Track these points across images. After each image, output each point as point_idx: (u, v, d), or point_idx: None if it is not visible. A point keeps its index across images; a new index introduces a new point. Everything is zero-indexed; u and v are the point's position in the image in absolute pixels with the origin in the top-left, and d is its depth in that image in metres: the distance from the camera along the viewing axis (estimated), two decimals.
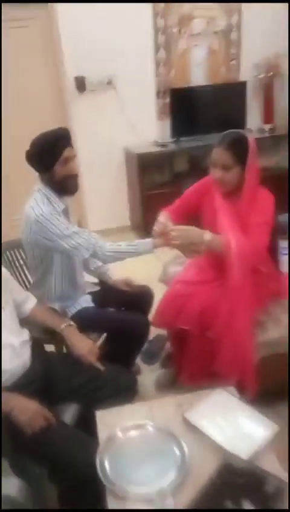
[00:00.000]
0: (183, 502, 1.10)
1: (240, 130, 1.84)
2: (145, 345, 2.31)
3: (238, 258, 1.67)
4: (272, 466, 1.18)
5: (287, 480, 1.11)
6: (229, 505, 1.08)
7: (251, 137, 1.79)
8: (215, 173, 1.80)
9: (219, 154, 1.76)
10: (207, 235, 1.71)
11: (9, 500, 1.09)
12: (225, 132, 1.80)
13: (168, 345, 2.45)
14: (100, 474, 1.17)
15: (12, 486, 1.12)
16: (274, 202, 1.80)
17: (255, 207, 1.75)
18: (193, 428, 1.31)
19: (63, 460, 1.29)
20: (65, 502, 1.42)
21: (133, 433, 1.31)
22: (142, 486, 1.14)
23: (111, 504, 1.14)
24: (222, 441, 1.24)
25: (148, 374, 2.35)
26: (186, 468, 1.18)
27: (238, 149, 1.74)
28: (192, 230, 1.76)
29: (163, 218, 1.93)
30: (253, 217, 1.73)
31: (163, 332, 2.43)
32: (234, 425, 1.30)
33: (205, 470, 1.17)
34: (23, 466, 1.26)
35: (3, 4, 3.31)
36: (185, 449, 1.22)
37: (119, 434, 1.30)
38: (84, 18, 3.56)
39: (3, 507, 1.08)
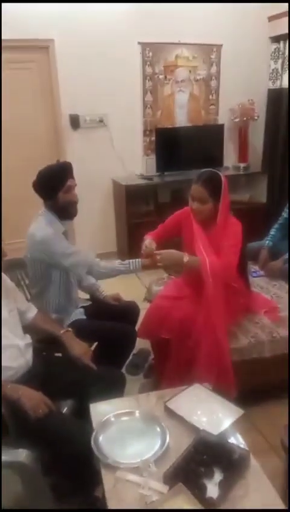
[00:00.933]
0: (164, 468, 1.33)
1: (214, 169, 2.16)
2: (130, 358, 2.56)
3: (211, 274, 1.98)
4: (237, 440, 1.44)
5: (248, 450, 1.37)
6: (202, 470, 1.33)
7: (223, 176, 2.13)
8: (193, 205, 2.12)
9: (196, 190, 2.09)
10: (186, 257, 2.03)
11: (21, 467, 1.31)
12: (201, 171, 2.13)
13: (150, 358, 2.69)
14: (95, 450, 1.39)
15: (21, 454, 1.34)
16: (242, 228, 2.12)
17: (226, 232, 2.07)
18: (172, 414, 1.56)
19: (62, 440, 1.52)
20: (59, 482, 1.64)
21: (123, 418, 1.55)
22: (131, 459, 1.37)
23: (104, 473, 1.36)
24: (196, 422, 1.50)
25: (132, 384, 2.56)
26: (167, 444, 1.41)
27: (213, 186, 2.07)
28: (174, 254, 2.07)
29: (149, 242, 2.23)
30: (224, 240, 2.05)
31: (146, 346, 2.68)
32: (206, 410, 1.56)
33: (182, 444, 1.41)
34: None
35: (6, 48, 3.66)
36: (166, 429, 1.46)
37: (112, 418, 1.54)
38: (80, 62, 3.94)
39: (15, 473, 1.30)
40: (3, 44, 3.59)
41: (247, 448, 1.39)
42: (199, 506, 1.18)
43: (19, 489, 1.34)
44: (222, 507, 1.20)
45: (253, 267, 2.94)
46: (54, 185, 2.06)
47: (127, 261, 2.15)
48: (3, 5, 3.45)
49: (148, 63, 4.19)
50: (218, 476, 1.30)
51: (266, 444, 2.08)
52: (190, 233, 2.15)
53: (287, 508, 1.41)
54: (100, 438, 1.45)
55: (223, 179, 2.10)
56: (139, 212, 4.39)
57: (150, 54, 4.16)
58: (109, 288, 2.47)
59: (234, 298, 2.19)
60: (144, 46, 4.12)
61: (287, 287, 2.67)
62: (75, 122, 4.09)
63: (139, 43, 4.10)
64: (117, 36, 3.99)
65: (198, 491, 1.24)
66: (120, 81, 4.13)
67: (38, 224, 2.08)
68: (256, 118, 4.46)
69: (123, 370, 2.51)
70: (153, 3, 3.96)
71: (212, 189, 2.07)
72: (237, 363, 2.11)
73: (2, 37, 3.55)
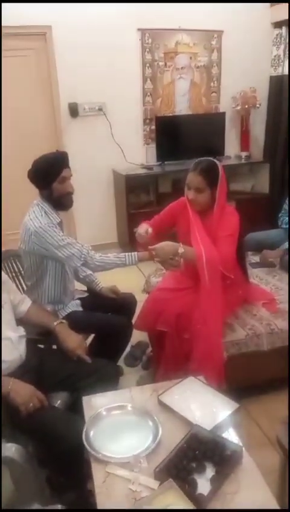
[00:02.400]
0: (155, 464, 1.31)
1: (211, 158, 2.10)
2: (129, 350, 2.54)
3: (208, 264, 1.93)
4: (231, 435, 1.41)
5: (241, 446, 1.34)
6: (194, 466, 1.30)
7: (220, 164, 2.07)
8: (189, 194, 2.07)
9: (194, 179, 2.03)
10: (181, 248, 1.98)
11: (10, 462, 1.29)
12: (198, 159, 2.08)
13: (149, 350, 2.67)
14: (86, 444, 1.37)
15: (10, 449, 1.32)
16: (239, 217, 2.07)
17: (223, 222, 2.03)
18: (166, 408, 1.53)
19: (54, 434, 1.50)
20: (54, 475, 1.62)
21: (115, 412, 1.52)
22: (122, 454, 1.34)
23: (95, 468, 1.34)
24: (190, 416, 1.47)
25: (131, 375, 2.55)
26: (159, 438, 1.39)
27: (210, 174, 2.02)
28: (169, 245, 2.01)
29: (144, 230, 2.17)
30: (221, 231, 2.00)
31: (145, 338, 2.66)
32: (200, 404, 1.53)
33: (175, 439, 1.38)
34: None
35: (5, 35, 3.60)
36: (159, 423, 1.44)
37: (103, 412, 1.51)
38: (78, 49, 3.86)
39: (6, 468, 1.28)
40: None
41: (241, 444, 1.36)
42: (189, 503, 1.16)
43: (8, 485, 1.32)
44: (213, 504, 1.17)
45: (253, 258, 2.90)
46: (49, 175, 2.02)
47: (123, 254, 2.11)
48: None
49: (148, 49, 4.11)
50: (210, 472, 1.28)
51: (263, 438, 2.06)
52: (186, 224, 2.11)
53: (286, 508, 1.40)
54: (91, 432, 1.43)
55: (220, 166, 2.05)
56: (140, 202, 4.35)
57: (150, 40, 4.08)
58: (109, 278, 2.44)
59: (231, 289, 2.14)
60: (144, 32, 4.04)
61: (287, 278, 2.63)
62: (73, 110, 4.03)
63: (138, 29, 4.02)
64: (116, 22, 3.90)
65: (189, 487, 1.21)
66: (119, 68, 4.06)
67: (33, 215, 2.04)
68: (258, 105, 4.37)
69: (121, 362, 2.50)
70: (153, 2, 3.87)
71: (211, 178, 2.02)
72: (234, 356, 2.08)
73: None
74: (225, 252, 1.96)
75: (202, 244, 1.98)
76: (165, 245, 2.00)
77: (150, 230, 2.15)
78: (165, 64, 4.22)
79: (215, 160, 2.09)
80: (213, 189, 2.02)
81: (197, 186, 2.03)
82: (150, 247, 2.04)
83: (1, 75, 3.70)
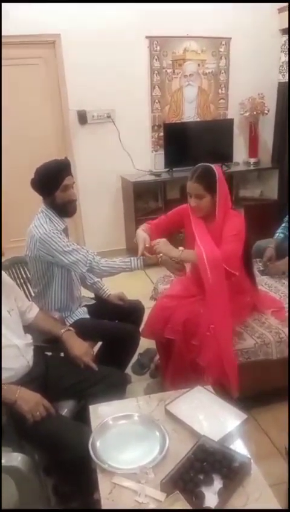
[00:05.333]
0: (162, 475, 1.29)
1: (208, 164, 2.09)
2: (136, 357, 2.52)
3: (210, 263, 1.92)
4: (239, 446, 1.39)
5: (250, 457, 1.32)
6: (201, 478, 1.28)
7: (218, 169, 2.06)
8: (191, 202, 2.08)
9: (192, 187, 2.05)
10: (181, 247, 2.02)
11: (15, 471, 1.28)
12: (195, 166, 2.08)
13: (157, 358, 2.65)
14: (92, 455, 1.35)
15: (16, 458, 1.31)
16: (245, 221, 2.06)
17: (227, 225, 2.02)
18: (173, 418, 1.51)
19: (60, 443, 1.48)
20: (60, 485, 1.61)
21: (122, 421, 1.51)
22: (129, 464, 1.33)
23: (101, 479, 1.32)
24: (197, 427, 1.45)
25: (138, 384, 2.53)
26: (166, 449, 1.37)
27: (207, 180, 2.02)
28: (170, 245, 2.04)
29: (144, 239, 2.17)
30: (225, 232, 2.00)
31: (153, 346, 2.64)
32: (208, 414, 1.51)
33: (182, 450, 1.36)
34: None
35: (11, 44, 3.63)
36: (166, 434, 1.42)
37: (110, 422, 1.50)
38: (87, 57, 3.89)
39: (12, 477, 1.27)
40: (9, 40, 3.57)
41: (249, 455, 1.33)
42: None
43: (13, 494, 1.31)
44: None
45: (261, 266, 2.86)
46: (51, 184, 2.02)
47: (128, 259, 2.11)
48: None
49: (156, 57, 4.12)
50: (217, 484, 1.25)
51: (272, 448, 2.03)
52: (192, 229, 2.10)
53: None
54: (98, 442, 1.41)
55: (216, 171, 2.04)
56: (148, 208, 4.35)
57: (158, 47, 4.09)
58: (118, 285, 2.43)
59: (240, 297, 2.13)
60: (152, 39, 4.06)
61: None
62: (82, 117, 4.05)
63: (146, 36, 4.04)
64: (124, 30, 3.92)
65: (196, 499, 1.19)
66: (128, 75, 4.08)
67: (37, 222, 2.05)
68: (266, 112, 4.36)
69: (129, 370, 2.48)
70: (159, 3, 3.90)
71: (207, 183, 2.01)
72: (242, 364, 2.05)
73: (8, 33, 3.52)
74: (228, 249, 1.94)
75: (202, 244, 1.97)
76: (168, 243, 2.02)
77: (147, 241, 2.15)
78: (173, 71, 4.23)
79: (211, 165, 2.07)
80: (213, 194, 2.02)
81: (197, 193, 2.03)
82: (153, 241, 2.06)
83: (0, 79, 3.72)
